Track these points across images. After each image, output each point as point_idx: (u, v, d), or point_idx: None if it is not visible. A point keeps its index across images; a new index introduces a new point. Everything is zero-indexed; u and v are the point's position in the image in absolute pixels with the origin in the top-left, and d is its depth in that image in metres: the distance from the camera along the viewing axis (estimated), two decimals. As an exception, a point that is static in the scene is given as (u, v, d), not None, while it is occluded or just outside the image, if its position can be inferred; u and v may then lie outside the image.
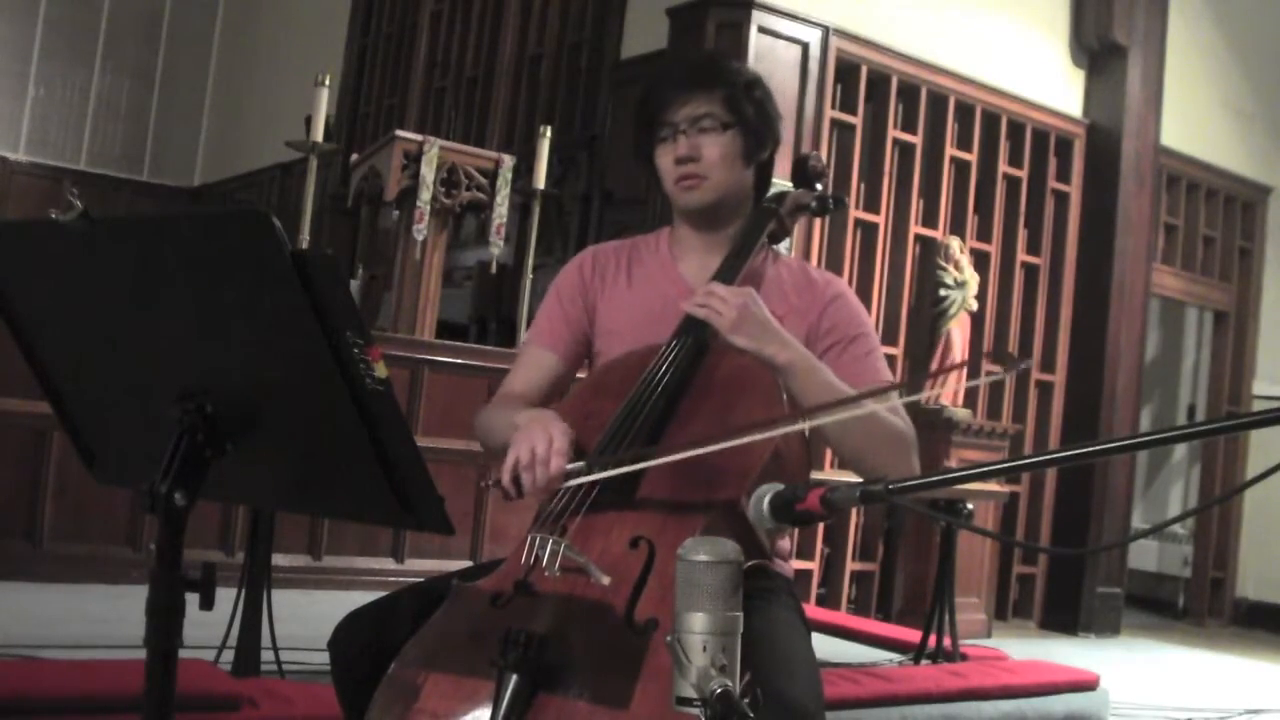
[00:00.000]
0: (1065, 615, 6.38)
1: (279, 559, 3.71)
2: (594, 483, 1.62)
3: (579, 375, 2.06)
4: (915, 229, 6.08)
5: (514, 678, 1.35)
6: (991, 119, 6.39)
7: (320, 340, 1.14)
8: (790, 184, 2.07)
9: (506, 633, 1.37)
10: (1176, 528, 7.80)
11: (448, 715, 1.41)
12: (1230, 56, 7.38)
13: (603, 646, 1.42)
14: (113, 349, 1.33)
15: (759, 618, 1.55)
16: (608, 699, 1.35)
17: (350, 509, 1.43)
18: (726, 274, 1.87)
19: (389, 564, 4.79)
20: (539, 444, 1.61)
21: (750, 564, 1.63)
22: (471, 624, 1.51)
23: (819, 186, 2.06)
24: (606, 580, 1.49)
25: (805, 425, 1.68)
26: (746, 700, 1.11)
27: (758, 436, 1.55)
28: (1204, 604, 7.47)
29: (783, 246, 2.12)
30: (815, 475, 2.11)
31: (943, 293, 5.89)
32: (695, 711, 1.11)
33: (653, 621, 1.43)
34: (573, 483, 1.61)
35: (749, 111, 1.92)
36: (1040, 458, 2.19)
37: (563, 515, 1.61)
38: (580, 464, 1.63)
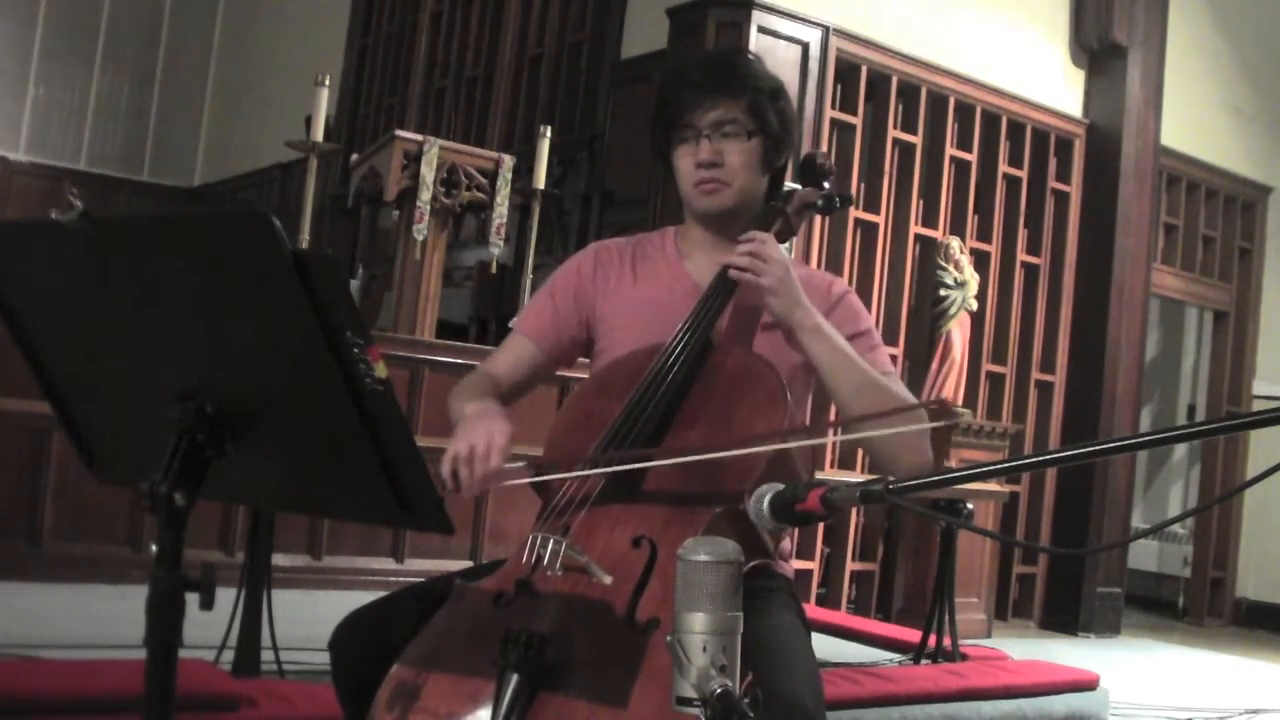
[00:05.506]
0: (1065, 615, 6.37)
1: (279, 559, 3.70)
2: (595, 482, 1.62)
3: (576, 376, 2.06)
4: (915, 229, 6.07)
5: (515, 677, 1.35)
6: (991, 119, 6.38)
7: (320, 340, 1.14)
8: (797, 183, 2.06)
9: (507, 632, 1.38)
10: (1176, 528, 7.80)
11: (449, 715, 1.41)
12: (1230, 56, 7.38)
13: (604, 646, 1.43)
14: (113, 349, 1.33)
15: (759, 618, 1.55)
16: (608, 698, 1.36)
17: (350, 509, 1.43)
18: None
19: (389, 564, 4.79)
20: (479, 441, 1.62)
21: (753, 564, 1.64)
22: (473, 624, 1.51)
23: (826, 185, 2.05)
24: (608, 579, 1.50)
25: (812, 440, 1.72)
26: (746, 700, 1.11)
27: (761, 449, 1.57)
28: (1204, 604, 7.47)
29: (784, 247, 2.11)
30: (816, 475, 2.11)
31: (943, 293, 5.89)
32: (695, 711, 1.11)
33: (654, 621, 1.43)
34: (510, 482, 1.63)
35: (772, 120, 1.92)
36: (1040, 458, 2.19)
37: (564, 514, 1.61)
38: (519, 464, 1.64)
